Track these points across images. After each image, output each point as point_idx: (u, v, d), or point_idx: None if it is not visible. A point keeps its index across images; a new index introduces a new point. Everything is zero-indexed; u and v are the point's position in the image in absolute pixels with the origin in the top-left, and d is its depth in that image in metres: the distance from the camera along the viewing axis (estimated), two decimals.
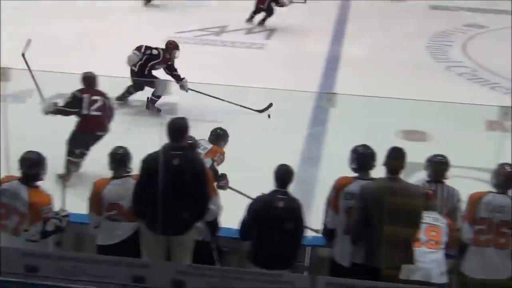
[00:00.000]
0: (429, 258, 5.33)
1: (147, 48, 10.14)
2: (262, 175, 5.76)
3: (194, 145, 5.73)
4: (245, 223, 5.46)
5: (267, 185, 5.50)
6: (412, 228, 5.18)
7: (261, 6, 15.14)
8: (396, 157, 5.26)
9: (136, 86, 10.14)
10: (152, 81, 9.93)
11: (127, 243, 5.56)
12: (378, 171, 5.44)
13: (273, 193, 5.40)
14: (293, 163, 6.85)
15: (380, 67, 12.61)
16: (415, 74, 12.28)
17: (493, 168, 5.65)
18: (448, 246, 5.47)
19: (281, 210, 5.29)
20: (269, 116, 9.74)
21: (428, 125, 9.71)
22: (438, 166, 6.02)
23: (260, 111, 10.12)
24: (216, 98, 9.89)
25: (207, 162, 6.79)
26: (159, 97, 9.92)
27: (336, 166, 7.17)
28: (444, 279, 5.39)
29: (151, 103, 10.04)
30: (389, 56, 13.34)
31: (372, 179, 5.46)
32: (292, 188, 5.63)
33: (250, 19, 15.35)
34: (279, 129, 9.53)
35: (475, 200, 5.51)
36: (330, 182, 5.68)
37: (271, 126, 9.56)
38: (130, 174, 5.69)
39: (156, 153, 5.38)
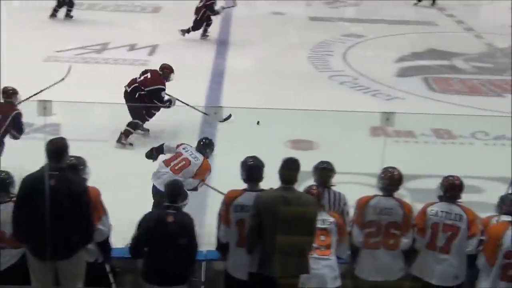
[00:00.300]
0: (322, 264, 5.39)
1: None
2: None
3: (76, 165, 5.55)
4: (136, 241, 5.36)
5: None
6: (306, 237, 5.21)
7: (197, 17, 15.15)
8: (289, 168, 5.28)
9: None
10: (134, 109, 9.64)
11: (13, 270, 5.34)
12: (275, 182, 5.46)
13: (164, 208, 5.34)
14: None
15: (265, 78, 12.75)
16: (300, 84, 12.50)
17: (378, 172, 5.81)
18: (339, 244, 5.54)
19: (172, 225, 5.23)
20: (258, 122, 9.75)
21: (315, 133, 9.88)
22: (323, 173, 6.13)
23: (221, 121, 9.96)
24: (193, 107, 9.87)
25: (194, 182, 7.11)
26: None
27: (226, 179, 7.22)
28: (337, 283, 5.47)
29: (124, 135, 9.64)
30: (273, 67, 13.52)
31: (261, 190, 5.47)
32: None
33: (187, 32, 15.31)
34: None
35: (363, 204, 5.65)
36: (221, 195, 5.67)
37: (160, 142, 9.46)
38: (13, 199, 5.46)
39: (34, 173, 5.21)
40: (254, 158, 5.63)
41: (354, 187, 7.46)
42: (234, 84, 12.31)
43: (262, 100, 10.69)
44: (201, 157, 7.32)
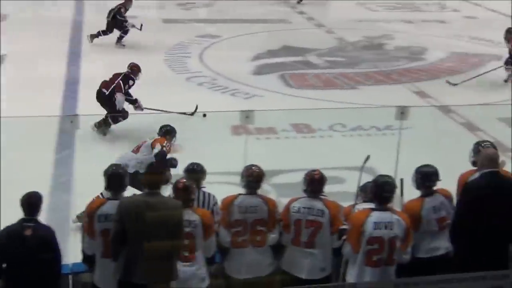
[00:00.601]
0: (186, 267, 5.31)
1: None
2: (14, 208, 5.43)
3: None
4: None
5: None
6: (173, 242, 5.11)
7: (108, 19, 15.14)
8: (153, 172, 5.21)
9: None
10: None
11: None
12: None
13: (20, 221, 5.11)
14: (44, 190, 6.57)
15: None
16: (158, 87, 12.36)
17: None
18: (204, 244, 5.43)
19: (31, 238, 5.02)
20: (204, 115, 10.38)
21: (177, 136, 9.79)
22: (193, 175, 6.15)
23: (192, 114, 10.71)
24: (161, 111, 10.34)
25: (157, 147, 7.84)
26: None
27: (88, 189, 7.04)
28: (204, 284, 5.41)
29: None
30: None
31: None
32: (45, 217, 5.38)
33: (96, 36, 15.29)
34: (25, 158, 9.09)
35: (227, 204, 5.64)
36: (84, 206, 5.51)
37: (14, 156, 9.08)
38: None
39: None
40: (117, 166, 5.54)
41: (220, 186, 7.46)
42: (90, 92, 11.97)
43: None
44: (156, 137, 8.08)
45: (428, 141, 9.83)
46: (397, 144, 6.94)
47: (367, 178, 6.06)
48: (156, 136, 8.22)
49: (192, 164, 6.23)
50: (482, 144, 6.21)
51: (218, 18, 19.00)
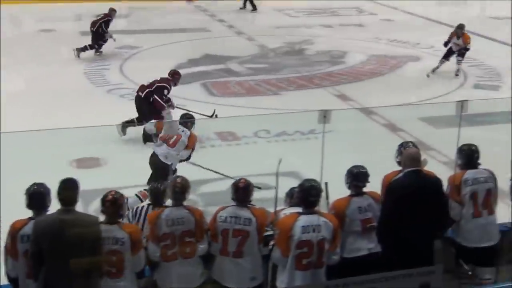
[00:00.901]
0: (113, 284, 5.22)
1: None
2: None
3: None
4: None
5: None
6: (91, 258, 5.00)
7: (92, 29, 15.26)
8: (67, 188, 5.09)
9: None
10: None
11: None
12: None
13: None
14: None
15: (41, 98, 12.28)
16: (78, 101, 12.19)
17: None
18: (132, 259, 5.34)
19: None
20: (215, 115, 10.96)
21: (100, 150, 9.66)
22: (156, 194, 6.19)
23: (211, 117, 10.93)
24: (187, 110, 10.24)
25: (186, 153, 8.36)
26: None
27: (12, 209, 6.83)
28: None
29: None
30: (48, 86, 13.08)
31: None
32: None
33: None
34: None
35: (154, 218, 5.54)
36: (7, 226, 5.36)
37: None
38: None
39: None
40: (39, 184, 5.39)
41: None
42: (8, 108, 11.68)
43: (41, 121, 10.24)
44: (187, 130, 8.37)
45: (352, 143, 9.98)
46: (321, 147, 7.00)
47: (293, 183, 6.11)
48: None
49: (156, 182, 6.27)
50: (405, 145, 6.33)
51: (137, 29, 18.86)
